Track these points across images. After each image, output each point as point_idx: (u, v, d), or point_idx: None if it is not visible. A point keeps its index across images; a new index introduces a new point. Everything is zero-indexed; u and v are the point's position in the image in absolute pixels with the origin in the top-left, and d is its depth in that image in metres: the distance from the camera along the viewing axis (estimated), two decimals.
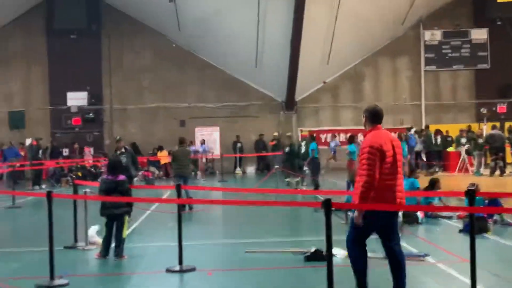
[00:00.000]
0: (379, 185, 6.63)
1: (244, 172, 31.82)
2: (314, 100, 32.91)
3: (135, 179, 20.31)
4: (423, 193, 14.40)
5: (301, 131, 32.10)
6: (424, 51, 33.15)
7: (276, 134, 31.30)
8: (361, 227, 6.71)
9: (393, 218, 7.00)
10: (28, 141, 29.41)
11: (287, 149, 24.87)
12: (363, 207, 6.71)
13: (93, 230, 11.14)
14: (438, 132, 27.57)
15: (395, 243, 6.96)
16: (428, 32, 33.06)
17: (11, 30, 32.02)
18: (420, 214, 13.39)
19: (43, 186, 24.65)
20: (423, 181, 16.17)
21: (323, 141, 31.29)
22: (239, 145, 31.77)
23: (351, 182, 14.48)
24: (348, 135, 23.72)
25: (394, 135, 8.18)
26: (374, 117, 7.00)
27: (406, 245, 10.60)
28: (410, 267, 8.92)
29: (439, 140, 26.69)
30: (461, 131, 25.62)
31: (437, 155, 26.30)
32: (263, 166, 31.68)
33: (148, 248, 11.22)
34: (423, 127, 28.94)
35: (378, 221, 6.77)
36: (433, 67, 33.25)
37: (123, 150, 15.43)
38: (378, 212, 6.67)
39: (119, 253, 10.02)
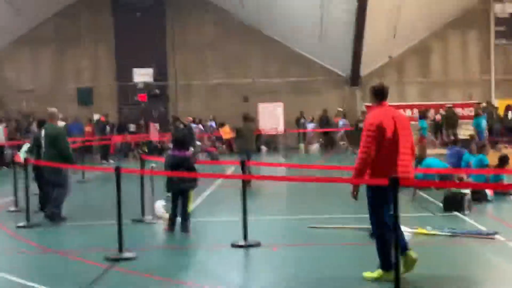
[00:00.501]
0: (379, 159, 6.77)
1: (307, 148, 31.67)
2: (379, 75, 32.28)
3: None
4: (491, 171, 14.04)
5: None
6: (494, 24, 32.14)
7: (340, 109, 31.00)
8: (380, 204, 6.85)
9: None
10: (96, 117, 30.08)
11: (360, 125, 24.54)
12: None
13: (159, 204, 11.33)
14: (509, 107, 26.75)
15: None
16: (499, 5, 32.03)
17: (79, 8, 32.68)
18: (489, 192, 13.07)
19: (111, 161, 25.23)
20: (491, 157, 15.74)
21: None
22: (302, 120, 31.60)
23: (419, 159, 14.23)
24: (417, 110, 23.30)
25: (402, 112, 8.15)
26: (379, 94, 7.13)
27: (474, 223, 10.40)
28: (479, 246, 8.77)
29: (509, 115, 25.94)
30: None
31: (508, 131, 25.62)
32: (327, 142, 31.43)
33: (213, 223, 11.34)
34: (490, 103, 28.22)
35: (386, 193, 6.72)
36: (503, 41, 32.22)
37: (181, 126, 15.62)
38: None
39: (185, 227, 10.15)
